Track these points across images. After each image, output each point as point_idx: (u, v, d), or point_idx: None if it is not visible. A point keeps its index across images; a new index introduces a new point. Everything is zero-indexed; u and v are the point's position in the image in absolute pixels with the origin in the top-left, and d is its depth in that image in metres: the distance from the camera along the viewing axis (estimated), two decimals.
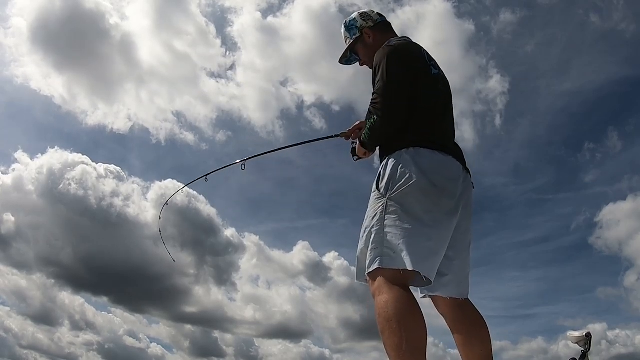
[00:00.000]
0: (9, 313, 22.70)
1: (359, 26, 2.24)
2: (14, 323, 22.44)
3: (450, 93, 2.14)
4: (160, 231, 4.13)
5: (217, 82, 28.66)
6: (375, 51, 2.08)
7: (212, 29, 28.56)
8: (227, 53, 28.60)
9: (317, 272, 25.41)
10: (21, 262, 23.53)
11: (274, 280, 27.14)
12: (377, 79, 1.94)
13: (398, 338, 1.58)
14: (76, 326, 23.29)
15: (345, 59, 2.38)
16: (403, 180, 1.81)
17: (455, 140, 2.11)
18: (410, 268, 1.69)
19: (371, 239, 1.80)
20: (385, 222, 1.78)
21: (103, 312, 24.82)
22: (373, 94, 1.93)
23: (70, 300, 24.45)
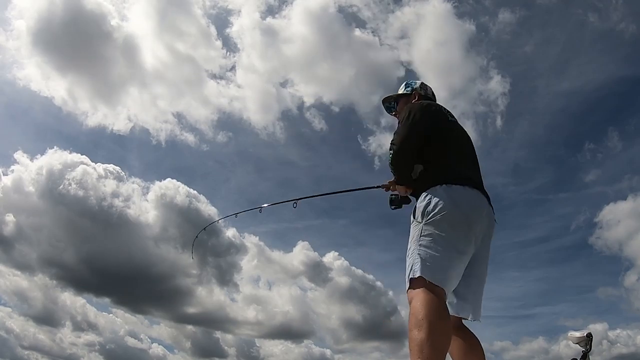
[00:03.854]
0: (10, 314, 22.75)
1: (414, 87, 2.71)
2: (16, 324, 22.50)
3: (471, 143, 2.46)
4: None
5: (218, 83, 28.74)
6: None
7: (213, 30, 28.64)
8: (228, 54, 28.67)
9: (317, 273, 25.46)
10: (23, 263, 23.57)
11: (275, 281, 27.18)
12: (399, 123, 2.33)
13: (425, 335, 1.72)
14: (78, 327, 23.34)
15: (387, 104, 2.82)
16: (437, 209, 2.05)
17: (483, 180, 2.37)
18: (438, 284, 1.91)
19: (408, 258, 2.05)
20: (420, 242, 2.03)
21: (104, 313, 24.88)
22: (394, 133, 2.32)
23: (72, 301, 24.51)
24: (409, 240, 2.13)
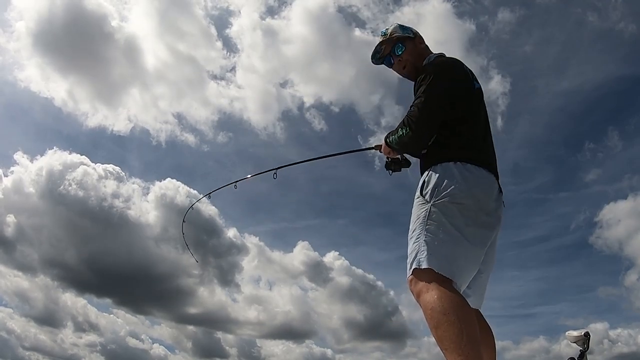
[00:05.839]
0: (11, 314, 22.75)
1: (415, 32, 2.31)
2: (17, 324, 22.49)
3: (487, 116, 2.19)
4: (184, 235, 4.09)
5: (218, 84, 28.73)
6: (418, 58, 2.22)
7: (214, 30, 28.64)
8: (228, 55, 28.67)
9: (318, 272, 25.44)
10: (24, 264, 23.57)
11: (275, 281, 27.16)
12: (420, 91, 1.99)
13: (458, 330, 1.59)
14: (79, 327, 23.33)
15: (378, 54, 2.31)
16: (449, 190, 1.85)
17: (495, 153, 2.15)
18: (446, 275, 1.75)
19: (412, 242, 1.87)
20: (427, 227, 1.84)
21: (105, 313, 24.87)
22: (412, 106, 1.99)
23: (73, 301, 24.50)
24: (413, 220, 1.93)
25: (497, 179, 2.02)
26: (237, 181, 3.12)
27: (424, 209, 1.88)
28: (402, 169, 2.33)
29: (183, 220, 4.07)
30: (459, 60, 2.12)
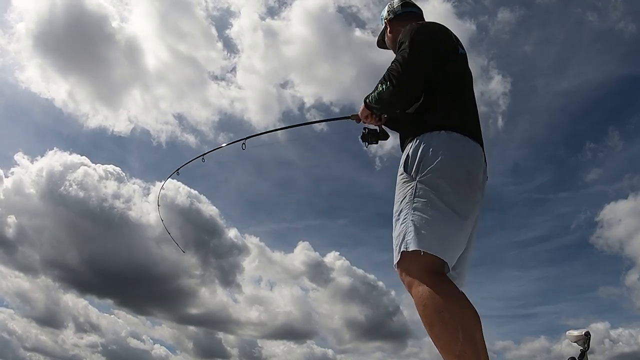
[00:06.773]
0: (12, 315, 22.77)
1: (383, 17, 2.31)
2: (18, 325, 22.50)
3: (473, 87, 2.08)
4: (162, 219, 4.14)
5: (218, 84, 28.75)
6: (392, 44, 2.18)
7: (214, 31, 28.68)
8: (228, 55, 28.70)
9: (318, 273, 25.39)
10: (26, 265, 23.57)
11: (276, 282, 27.16)
12: (402, 48, 1.86)
13: (453, 329, 1.49)
14: (80, 328, 23.34)
15: (380, 45, 2.44)
16: (435, 164, 1.72)
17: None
18: (437, 255, 1.64)
19: (399, 224, 1.74)
20: (414, 205, 1.70)
21: (106, 314, 24.89)
22: (392, 61, 1.86)
23: (74, 302, 24.52)
24: (398, 200, 1.79)
25: (483, 148, 1.90)
26: (205, 154, 3.11)
27: (410, 187, 1.74)
28: (379, 141, 2.25)
29: (158, 204, 4.19)
30: (443, 25, 2.04)
